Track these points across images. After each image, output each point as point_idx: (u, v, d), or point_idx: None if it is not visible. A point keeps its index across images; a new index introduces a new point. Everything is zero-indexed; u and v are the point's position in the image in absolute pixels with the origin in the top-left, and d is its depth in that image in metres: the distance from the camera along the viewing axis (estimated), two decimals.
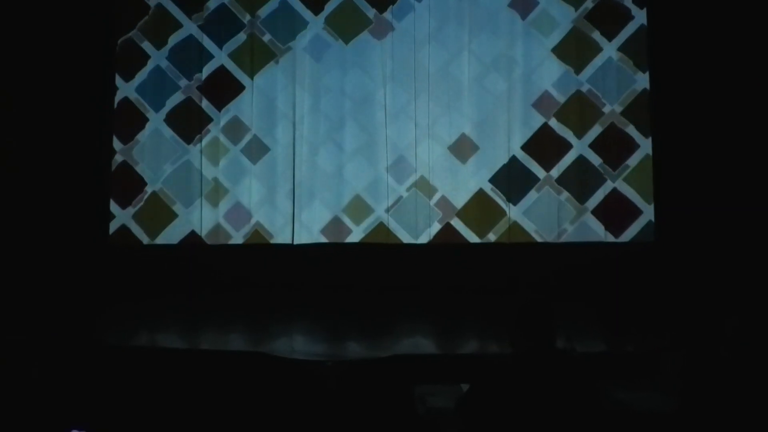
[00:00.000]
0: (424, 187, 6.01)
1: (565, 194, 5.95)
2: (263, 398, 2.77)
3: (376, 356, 3.06)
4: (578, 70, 5.97)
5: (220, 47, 6.20)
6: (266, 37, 6.17)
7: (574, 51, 6.01)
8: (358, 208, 6.03)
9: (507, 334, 2.42)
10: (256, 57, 6.18)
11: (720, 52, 5.43)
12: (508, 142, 6.03)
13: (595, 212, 5.94)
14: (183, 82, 6.17)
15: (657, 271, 5.24)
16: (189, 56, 6.21)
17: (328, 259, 5.76)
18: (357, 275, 5.76)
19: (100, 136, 5.90)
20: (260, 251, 5.82)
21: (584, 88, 5.97)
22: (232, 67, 6.16)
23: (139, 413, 2.67)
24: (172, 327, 4.00)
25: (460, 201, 6.01)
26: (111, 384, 2.76)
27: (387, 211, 6.10)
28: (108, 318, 4.20)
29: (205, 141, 6.14)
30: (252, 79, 6.16)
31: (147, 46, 6.19)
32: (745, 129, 5.35)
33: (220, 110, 6.15)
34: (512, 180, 6.01)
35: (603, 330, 3.64)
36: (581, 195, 5.98)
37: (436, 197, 6.00)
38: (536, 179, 6.00)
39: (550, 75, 6.01)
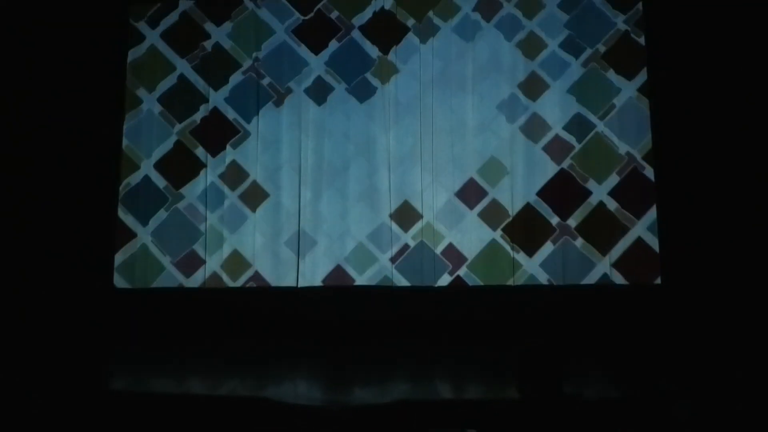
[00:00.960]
0: (430, 234, 6.30)
1: (585, 245, 6.18)
2: None
3: (383, 402, 3.40)
4: (594, 111, 6.31)
5: (216, 89, 6.65)
6: (266, 80, 6.62)
7: (587, 92, 6.36)
8: (362, 256, 6.35)
9: (514, 379, 2.74)
10: (254, 99, 6.61)
11: (723, 87, 5.88)
12: (519, 189, 6.32)
13: (617, 264, 6.11)
14: (176, 127, 6.62)
15: (665, 314, 5.55)
16: (182, 99, 6.66)
17: (332, 302, 6.12)
18: (362, 319, 6.09)
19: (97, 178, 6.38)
20: (263, 294, 6.21)
21: (600, 130, 6.28)
22: (228, 110, 6.60)
23: None
24: (172, 372, 4.37)
25: (469, 250, 6.28)
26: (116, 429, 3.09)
27: (392, 260, 6.39)
28: (106, 364, 4.59)
29: (199, 188, 6.52)
30: (250, 122, 6.57)
31: (141, 91, 6.65)
32: (754, 171, 5.74)
33: (215, 155, 6.56)
34: (526, 230, 6.26)
35: (611, 375, 3.98)
36: (602, 245, 6.18)
37: (443, 245, 6.27)
38: (552, 229, 6.24)
39: (561, 117, 6.34)
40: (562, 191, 6.29)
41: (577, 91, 6.37)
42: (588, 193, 6.26)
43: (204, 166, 6.53)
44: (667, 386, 3.38)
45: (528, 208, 6.28)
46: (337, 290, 6.28)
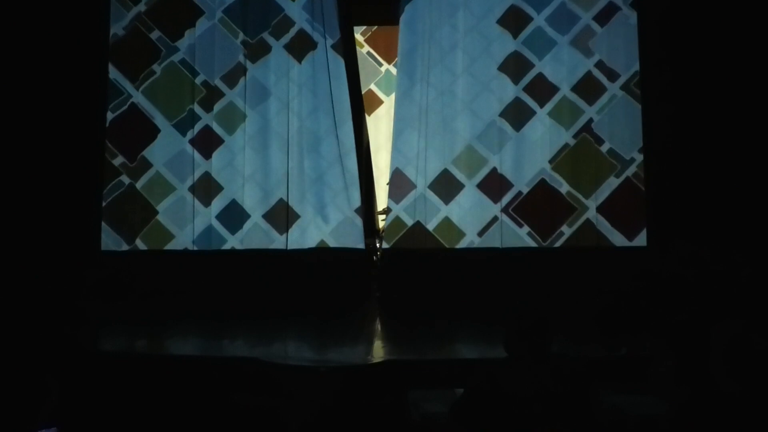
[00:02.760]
0: (423, 207, 7.00)
1: (610, 229, 6.84)
2: (256, 404, 3.92)
3: (370, 362, 4.27)
4: (610, 72, 7.02)
5: (173, 41, 7.36)
6: (235, 31, 7.33)
7: (601, 51, 7.08)
8: (349, 230, 7.10)
9: (502, 338, 3.57)
10: (222, 54, 7.34)
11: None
12: (524, 158, 6.98)
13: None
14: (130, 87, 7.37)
15: (650, 276, 6.30)
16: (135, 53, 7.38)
17: (320, 263, 6.99)
18: (350, 279, 6.95)
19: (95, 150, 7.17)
20: (252, 255, 7.09)
21: (615, 92, 7.01)
22: (190, 67, 7.35)
23: (131, 420, 3.82)
24: (161, 333, 5.30)
25: (466, 225, 6.99)
26: (105, 390, 3.91)
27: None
28: (94, 326, 5.51)
29: (165, 157, 7.27)
30: (215, 80, 7.28)
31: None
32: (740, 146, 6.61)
33: (176, 119, 7.31)
34: (538, 207, 6.92)
35: (597, 334, 4.89)
36: (630, 229, 6.86)
37: (438, 219, 6.98)
38: (571, 208, 6.90)
39: (569, 78, 7.03)
40: (578, 163, 6.98)
41: (588, 50, 7.08)
42: (612, 167, 6.94)
43: (159, 131, 7.24)
44: (651, 346, 4.32)
45: (543, 185, 6.98)
46: (325, 252, 7.09)
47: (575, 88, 7.10)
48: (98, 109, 7.28)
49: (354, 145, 7.24)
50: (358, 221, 7.15)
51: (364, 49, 9.23)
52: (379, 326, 5.66)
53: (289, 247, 7.15)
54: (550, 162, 7.04)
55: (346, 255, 7.08)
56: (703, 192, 6.59)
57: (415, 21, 7.25)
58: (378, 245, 7.35)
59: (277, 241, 7.17)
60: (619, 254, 6.87)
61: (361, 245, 7.14)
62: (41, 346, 4.20)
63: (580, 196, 6.99)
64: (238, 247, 7.18)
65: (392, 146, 7.22)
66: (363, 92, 8.55)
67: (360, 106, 7.54)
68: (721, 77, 6.68)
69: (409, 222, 7.08)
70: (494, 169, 7.07)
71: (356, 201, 7.17)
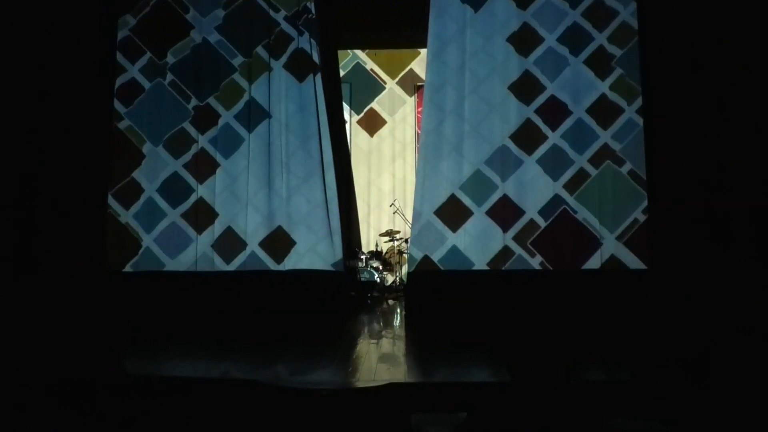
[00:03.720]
0: (430, 236, 7.11)
1: (636, 262, 6.90)
2: (257, 427, 4.12)
3: (372, 384, 4.47)
4: (625, 93, 7.19)
5: (160, 59, 7.67)
6: (225, 47, 7.63)
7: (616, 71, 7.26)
8: (335, 255, 7.27)
9: (506, 362, 3.79)
10: (214, 73, 7.62)
11: None
12: (536, 184, 7.06)
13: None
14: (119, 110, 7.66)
15: (654, 299, 6.59)
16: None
17: (320, 284, 7.22)
18: (350, 300, 7.26)
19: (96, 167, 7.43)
20: (250, 277, 7.30)
21: (631, 116, 7.17)
22: (178, 88, 7.64)
23: None
24: (162, 356, 5.52)
25: (477, 255, 7.08)
26: (108, 410, 4.12)
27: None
28: (96, 347, 5.74)
29: (158, 181, 7.53)
30: (203, 101, 7.54)
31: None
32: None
33: (168, 144, 7.59)
34: (556, 238, 6.98)
35: (601, 358, 5.10)
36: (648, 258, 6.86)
37: (446, 248, 7.08)
38: (587, 236, 6.92)
39: (582, 99, 7.18)
40: (594, 188, 7.09)
41: (601, 70, 7.24)
42: (630, 192, 7.02)
43: (144, 156, 7.48)
44: (655, 369, 4.54)
45: (554, 210, 7.08)
46: (324, 272, 7.29)
47: (590, 111, 7.25)
48: (104, 122, 7.58)
49: (334, 170, 7.50)
50: (339, 245, 7.38)
51: (367, 66, 9.52)
52: (381, 348, 5.87)
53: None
54: (564, 187, 7.16)
55: (332, 277, 7.30)
56: (706, 210, 6.81)
57: (443, 50, 7.42)
58: (380, 267, 7.55)
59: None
60: (625, 278, 7.02)
61: (343, 269, 7.38)
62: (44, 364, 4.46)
63: (596, 224, 7.09)
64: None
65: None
66: (365, 110, 8.87)
67: (341, 128, 7.87)
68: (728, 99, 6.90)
69: (418, 255, 7.20)
70: (504, 196, 7.19)
71: (337, 225, 7.41)
